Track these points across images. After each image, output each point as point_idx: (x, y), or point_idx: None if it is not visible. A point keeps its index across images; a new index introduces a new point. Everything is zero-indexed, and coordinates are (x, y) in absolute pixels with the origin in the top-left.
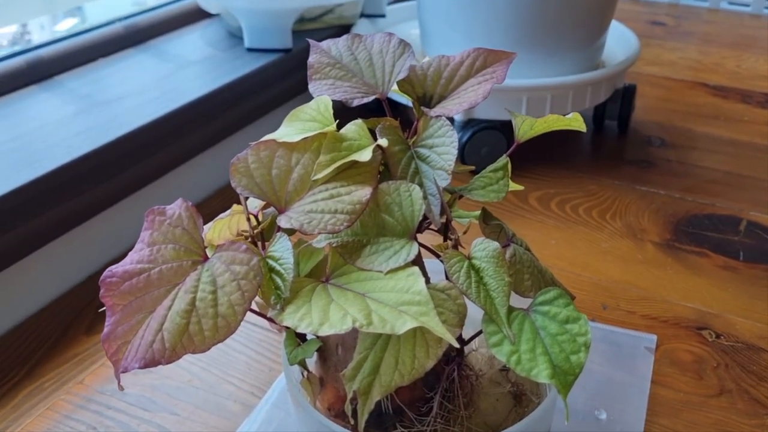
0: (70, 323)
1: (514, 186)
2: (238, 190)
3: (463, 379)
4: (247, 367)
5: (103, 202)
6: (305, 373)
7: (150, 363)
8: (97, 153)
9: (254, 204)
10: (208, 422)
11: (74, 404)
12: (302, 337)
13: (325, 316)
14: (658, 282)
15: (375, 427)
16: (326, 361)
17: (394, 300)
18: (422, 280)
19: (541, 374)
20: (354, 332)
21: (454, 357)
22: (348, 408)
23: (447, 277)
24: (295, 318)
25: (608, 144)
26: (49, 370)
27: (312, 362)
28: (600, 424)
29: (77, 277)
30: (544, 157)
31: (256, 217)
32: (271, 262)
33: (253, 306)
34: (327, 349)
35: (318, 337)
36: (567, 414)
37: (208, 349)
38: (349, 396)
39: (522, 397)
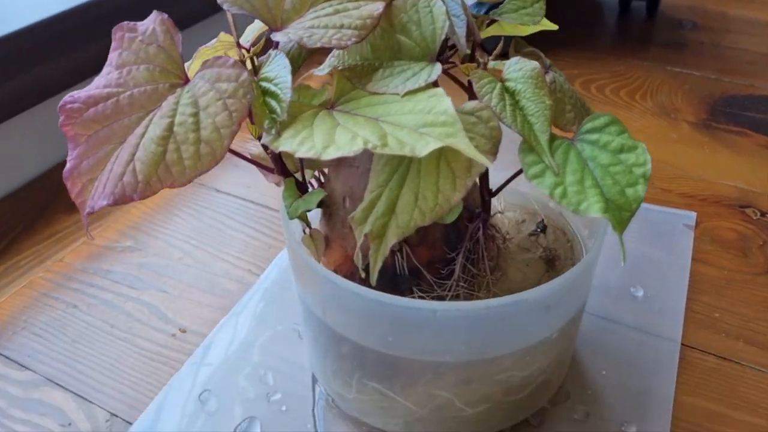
0: (49, 202)
1: (547, 24)
2: (225, 6)
3: (489, 241)
4: (244, 244)
5: (83, 72)
6: (307, 229)
7: (120, 199)
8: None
9: (246, 39)
10: (201, 300)
11: (54, 282)
12: (303, 188)
13: (329, 138)
14: (694, 161)
15: (389, 288)
16: (332, 217)
17: (413, 122)
18: (448, 99)
19: (592, 208)
20: (363, 181)
21: (479, 213)
22: (358, 258)
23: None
24: (294, 142)
25: (636, 26)
26: (27, 248)
27: (316, 221)
28: (636, 301)
29: (55, 158)
30: (564, 41)
31: (247, 50)
32: (264, 84)
33: (250, 155)
34: (332, 202)
35: (322, 187)
36: (623, 254)
37: (189, 181)
38: (359, 242)
39: (555, 262)
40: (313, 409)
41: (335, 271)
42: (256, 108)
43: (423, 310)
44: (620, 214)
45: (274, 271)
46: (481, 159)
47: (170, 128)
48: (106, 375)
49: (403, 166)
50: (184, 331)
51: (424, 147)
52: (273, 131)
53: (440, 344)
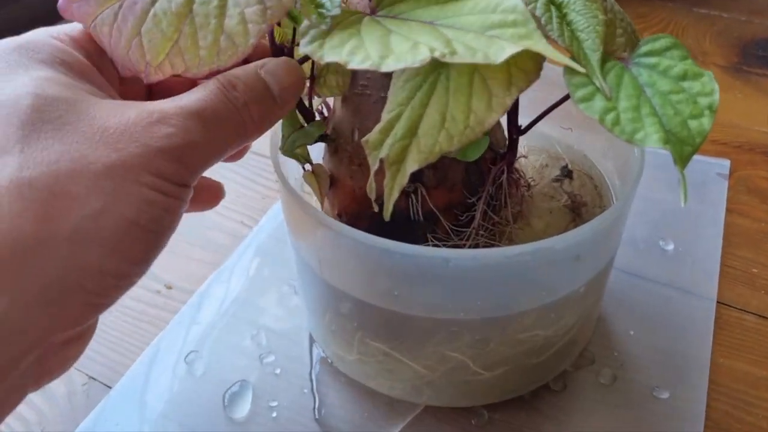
0: None
1: None
2: None
3: (512, 186)
4: (236, 194)
5: None
6: (307, 166)
7: (128, 73)
8: None
9: None
10: (189, 254)
11: None
12: (310, 116)
13: (385, 47)
14: (726, 106)
15: (401, 236)
16: (338, 152)
17: (478, 24)
18: None
19: (650, 138)
20: (377, 111)
21: (504, 154)
22: (371, 187)
23: None
24: (343, 52)
25: None
26: None
27: (318, 159)
28: (666, 256)
29: None
30: None
31: None
32: None
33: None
34: (339, 136)
35: (325, 121)
36: (684, 192)
37: (203, 74)
38: (373, 168)
39: (581, 210)
40: (310, 372)
41: (339, 214)
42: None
43: (434, 258)
44: (682, 148)
45: (268, 223)
46: (566, 61)
47: (189, 4)
48: None
49: (428, 82)
50: (170, 288)
51: (498, 52)
52: (315, 36)
53: (453, 299)
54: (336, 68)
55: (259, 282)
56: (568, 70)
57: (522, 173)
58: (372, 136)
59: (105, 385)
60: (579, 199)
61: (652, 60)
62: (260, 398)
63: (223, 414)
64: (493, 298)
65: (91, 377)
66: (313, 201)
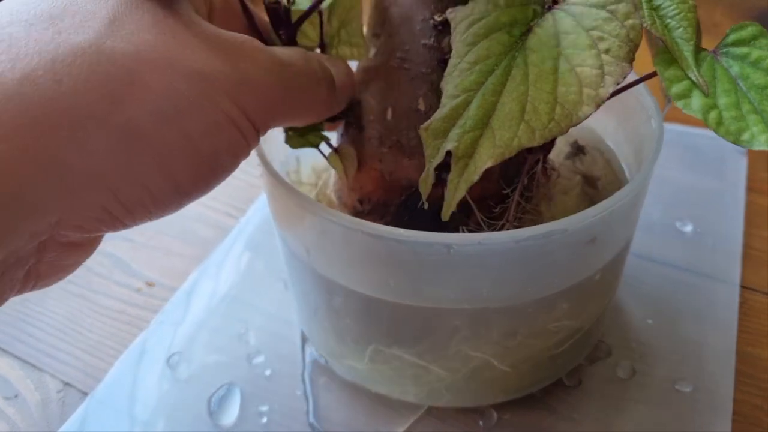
0: None
1: None
2: None
3: (544, 174)
4: (221, 184)
5: None
6: (324, 147)
7: None
8: None
9: None
10: (171, 249)
11: None
12: None
13: None
14: None
15: (432, 227)
16: (364, 131)
17: None
18: None
19: (758, 139)
20: (415, 89)
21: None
22: (427, 180)
23: None
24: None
25: None
26: None
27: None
28: (685, 238)
29: None
30: None
31: None
32: None
33: None
34: (366, 112)
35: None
36: None
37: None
38: (433, 160)
39: (596, 187)
40: (302, 373)
41: (361, 200)
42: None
43: (433, 245)
44: None
45: (256, 213)
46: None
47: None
48: (58, 338)
49: (501, 67)
50: (151, 285)
51: None
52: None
53: (456, 289)
54: (348, 39)
55: (246, 277)
56: (661, 61)
57: (551, 160)
58: (433, 123)
59: (81, 391)
60: (594, 178)
61: (742, 50)
62: (249, 402)
63: (209, 421)
64: (500, 287)
65: (66, 383)
66: (304, 188)
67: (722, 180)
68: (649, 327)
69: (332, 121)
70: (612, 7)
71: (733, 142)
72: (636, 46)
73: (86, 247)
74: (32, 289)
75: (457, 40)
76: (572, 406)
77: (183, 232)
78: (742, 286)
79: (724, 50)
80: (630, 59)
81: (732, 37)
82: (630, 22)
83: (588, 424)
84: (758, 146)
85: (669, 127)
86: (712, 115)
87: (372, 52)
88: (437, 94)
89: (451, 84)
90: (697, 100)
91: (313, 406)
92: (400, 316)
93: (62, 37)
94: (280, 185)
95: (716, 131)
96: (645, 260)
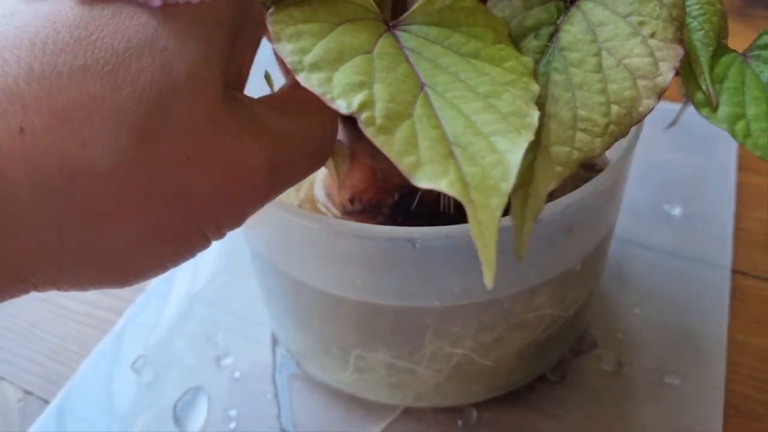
0: None
1: None
2: None
3: None
4: None
5: None
6: None
7: None
8: None
9: None
10: None
11: None
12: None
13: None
14: None
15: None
16: (355, 125)
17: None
18: None
19: None
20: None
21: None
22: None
23: None
24: (333, 88)
25: None
26: None
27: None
28: (673, 221)
29: None
30: None
31: None
32: None
33: None
34: None
35: None
36: None
37: None
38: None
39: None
40: (273, 375)
41: (351, 198)
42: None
43: (397, 240)
44: None
45: None
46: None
47: None
48: (18, 343)
49: (538, 75)
50: None
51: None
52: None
53: (425, 286)
54: None
55: (216, 277)
56: (685, 63)
57: None
58: None
59: (43, 399)
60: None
61: None
62: (217, 407)
63: (175, 427)
64: (471, 283)
65: (27, 391)
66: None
67: (712, 159)
68: (637, 316)
69: None
70: None
71: (761, 157)
72: (682, 24)
73: None
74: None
75: None
76: (556, 402)
77: None
78: (734, 270)
79: (756, 53)
80: (679, 39)
81: (764, 39)
82: None
83: (572, 422)
84: None
85: (661, 105)
86: (740, 125)
87: None
88: None
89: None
90: (724, 109)
91: (285, 409)
92: (369, 315)
93: None
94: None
95: (744, 144)
96: (631, 245)
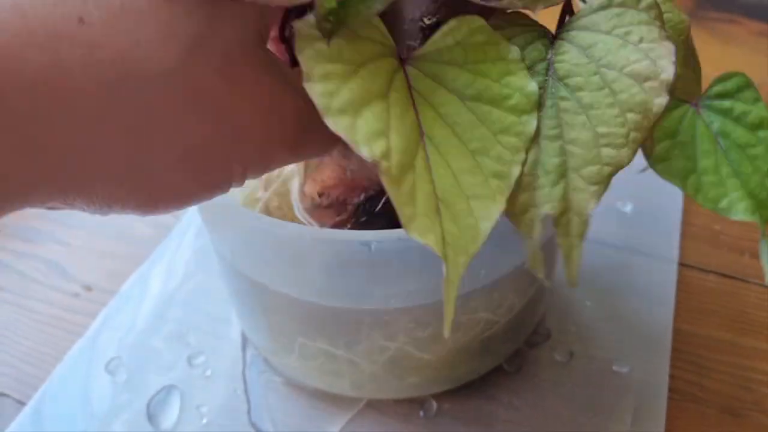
0: None
1: None
2: None
3: None
4: None
5: None
6: None
7: None
8: None
9: None
10: (110, 251)
11: None
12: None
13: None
14: None
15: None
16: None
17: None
18: None
19: (735, 208)
20: None
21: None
22: (535, 260)
23: None
24: (357, 133)
25: None
26: None
27: None
28: (625, 218)
29: None
30: None
31: None
32: None
33: None
34: None
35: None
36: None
37: None
38: (533, 237)
39: None
40: (243, 371)
41: (320, 193)
42: None
43: (352, 243)
44: (765, 213)
45: (198, 212)
46: None
47: None
48: None
49: (547, 108)
50: (89, 290)
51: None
52: (318, 54)
53: (380, 287)
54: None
55: (188, 277)
56: None
57: None
58: (518, 200)
59: (18, 401)
60: None
61: (725, 104)
62: (189, 403)
63: (148, 425)
64: (425, 284)
65: (1, 393)
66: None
67: None
68: (588, 308)
69: None
70: (617, 1)
71: (711, 210)
72: (663, 23)
73: None
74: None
75: None
76: (512, 391)
77: (121, 232)
78: (681, 264)
79: (707, 103)
80: (667, 36)
81: (716, 89)
82: (644, 3)
83: (527, 410)
84: (737, 216)
85: None
86: (691, 180)
87: None
88: None
89: (503, 149)
90: (678, 163)
91: (254, 404)
92: (328, 315)
93: None
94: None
95: (695, 198)
96: (585, 241)
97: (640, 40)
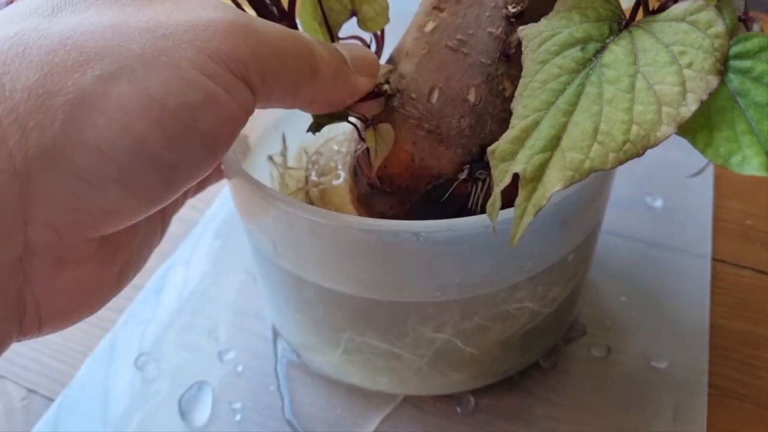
0: None
1: None
2: None
3: None
4: None
5: None
6: (359, 124)
7: None
8: None
9: None
10: None
11: None
12: None
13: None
14: None
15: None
16: (399, 109)
17: None
18: None
19: (749, 163)
20: (469, 76)
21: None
22: (493, 206)
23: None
24: None
25: None
26: None
27: None
28: (655, 213)
29: None
30: None
31: None
32: None
33: None
34: (407, 89)
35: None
36: None
37: None
38: (500, 185)
39: None
40: (275, 368)
41: (381, 178)
42: None
43: (401, 233)
44: None
45: (223, 205)
46: None
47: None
48: (20, 343)
49: (574, 85)
50: None
51: None
52: None
53: (428, 278)
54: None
55: (214, 271)
56: None
57: None
58: (500, 145)
59: (47, 397)
60: None
61: (745, 63)
62: (221, 400)
63: (181, 421)
64: (473, 274)
65: (30, 390)
66: (291, 173)
67: (690, 152)
68: (623, 304)
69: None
70: (692, 17)
71: (721, 164)
72: (723, 56)
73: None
74: (38, 331)
75: (528, 58)
76: (550, 387)
77: None
78: (714, 259)
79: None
80: (717, 71)
81: (735, 49)
82: (713, 30)
83: (566, 405)
84: (749, 170)
85: None
86: (702, 135)
87: (430, 25)
88: (490, 87)
89: (521, 104)
90: (690, 118)
91: (289, 401)
92: (372, 308)
93: None
94: (241, 176)
95: (704, 153)
96: (616, 236)
97: (689, 65)
